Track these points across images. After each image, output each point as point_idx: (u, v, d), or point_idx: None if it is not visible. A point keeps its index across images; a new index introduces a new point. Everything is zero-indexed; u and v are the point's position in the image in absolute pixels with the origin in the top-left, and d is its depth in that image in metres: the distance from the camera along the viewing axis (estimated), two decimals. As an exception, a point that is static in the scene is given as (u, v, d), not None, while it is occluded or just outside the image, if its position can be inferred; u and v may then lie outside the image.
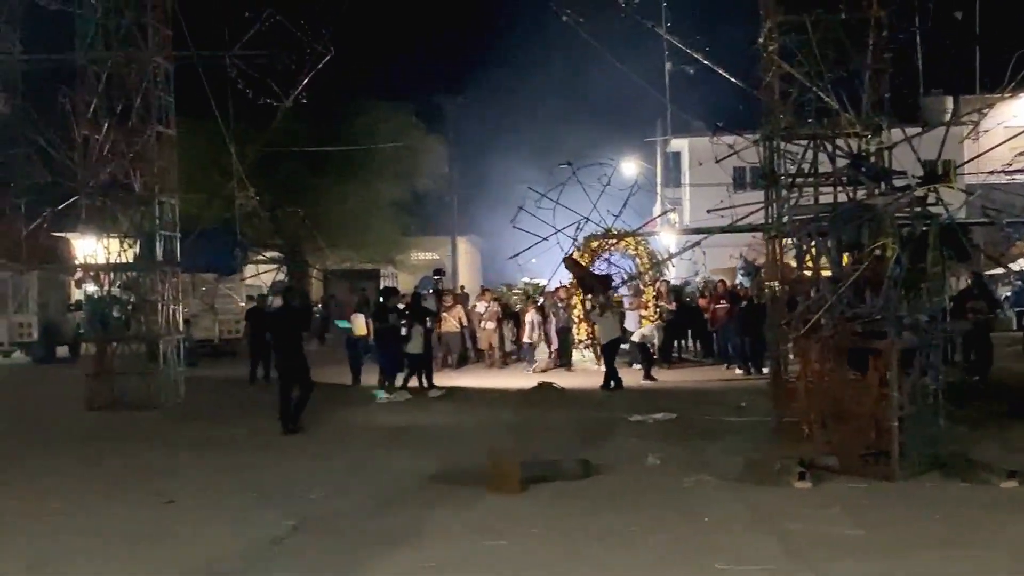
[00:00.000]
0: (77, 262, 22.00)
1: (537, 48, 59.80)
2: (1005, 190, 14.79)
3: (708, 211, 15.42)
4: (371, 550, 8.25)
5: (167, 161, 18.18)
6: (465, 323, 24.86)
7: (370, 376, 20.21)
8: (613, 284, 23.67)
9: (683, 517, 9.15)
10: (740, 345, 22.37)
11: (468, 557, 7.99)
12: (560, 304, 24.77)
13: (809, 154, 12.44)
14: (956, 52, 15.53)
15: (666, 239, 35.50)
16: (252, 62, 22.81)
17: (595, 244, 25.29)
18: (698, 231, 25.24)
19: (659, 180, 43.74)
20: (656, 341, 22.68)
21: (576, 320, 25.45)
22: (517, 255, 20.38)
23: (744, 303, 22.39)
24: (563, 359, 24.44)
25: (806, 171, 12.47)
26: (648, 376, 21.25)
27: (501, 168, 49.77)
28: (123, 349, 18.02)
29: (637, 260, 27.41)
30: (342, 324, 21.17)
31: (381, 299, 20.78)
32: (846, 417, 10.74)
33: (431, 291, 24.27)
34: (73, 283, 30.57)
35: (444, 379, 20.30)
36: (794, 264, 12.54)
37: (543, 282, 28.80)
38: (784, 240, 13.25)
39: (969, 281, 19.94)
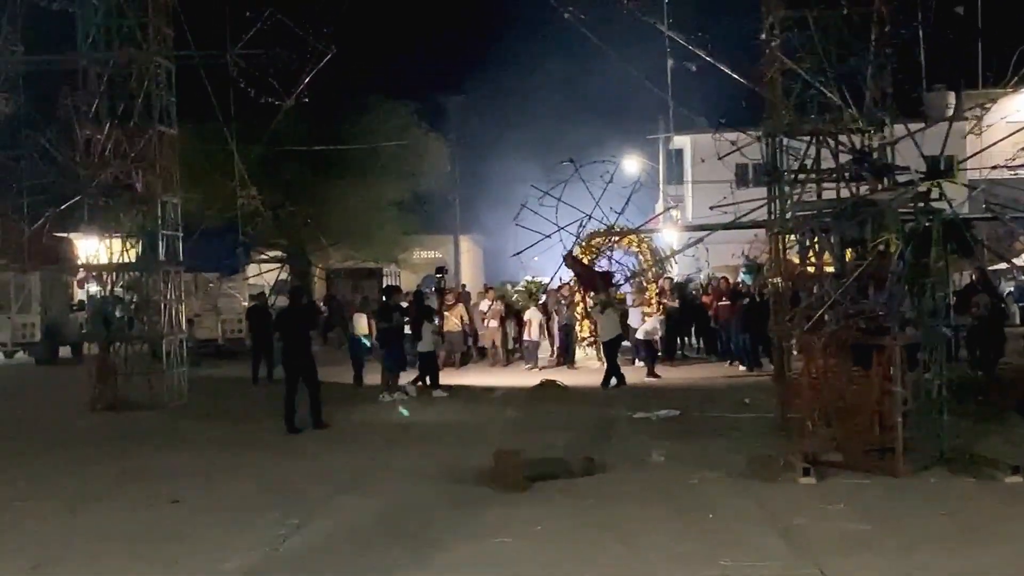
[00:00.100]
0: (80, 262, 21.99)
1: (539, 46, 59.69)
2: (1009, 185, 14.76)
3: (711, 208, 15.39)
4: (375, 549, 8.25)
5: (169, 161, 18.17)
6: (467, 322, 24.85)
7: (372, 375, 20.18)
8: (615, 282, 23.71)
9: (688, 514, 9.15)
10: (743, 342, 22.35)
11: (473, 555, 7.99)
12: (563, 302, 24.75)
13: (812, 150, 12.41)
14: (958, 47, 15.47)
15: (668, 236, 35.49)
16: (253, 61, 22.79)
17: (597, 241, 25.32)
18: (701, 228, 25.29)
19: (661, 177, 43.71)
20: (660, 332, 22.61)
21: (578, 318, 25.45)
22: (520, 252, 20.42)
23: (747, 300, 22.36)
24: (566, 357, 24.43)
25: (809, 167, 12.44)
26: (651, 373, 21.24)
27: (503, 166, 49.87)
28: (126, 349, 18.02)
29: (640, 257, 27.43)
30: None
31: (384, 298, 20.77)
32: (850, 413, 10.73)
33: (433, 289, 24.27)
34: (76, 283, 30.62)
35: (447, 378, 20.27)
36: (797, 260, 12.51)
37: (545, 280, 28.83)
38: (788, 236, 13.23)
39: (973, 277, 19.89)
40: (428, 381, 19.32)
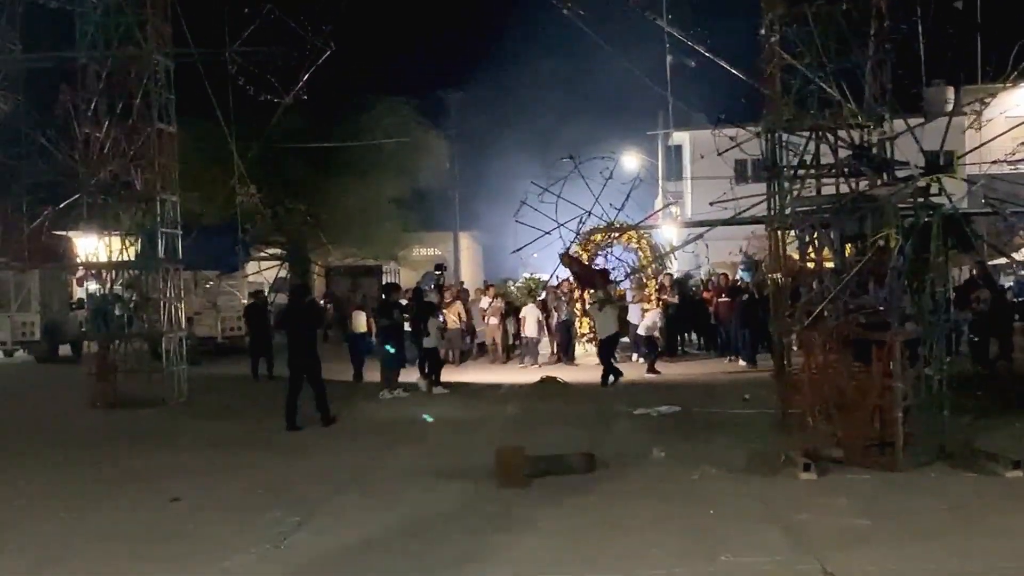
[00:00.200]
0: (79, 260, 21.98)
1: (538, 43, 59.69)
2: (1008, 180, 14.77)
3: (710, 204, 15.40)
4: (377, 545, 8.26)
5: (168, 159, 18.17)
6: (464, 319, 24.83)
7: (372, 373, 20.18)
8: (616, 279, 23.73)
9: (689, 510, 9.15)
10: (744, 337, 22.36)
11: (474, 551, 7.98)
12: (563, 298, 24.76)
13: (811, 145, 12.41)
14: (958, 42, 15.45)
15: (668, 232, 35.48)
16: (252, 59, 22.79)
17: (597, 238, 25.32)
18: (700, 224, 25.26)
19: (660, 173, 43.70)
20: (661, 324, 22.59)
21: (578, 314, 25.47)
22: (519, 249, 20.41)
23: (746, 296, 22.37)
24: (566, 354, 24.43)
25: (808, 163, 12.43)
26: (651, 370, 21.25)
27: (503, 163, 49.79)
28: (126, 347, 18.03)
29: (639, 253, 27.44)
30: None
31: (384, 296, 20.77)
32: (850, 408, 10.73)
33: (433, 286, 24.27)
34: (75, 282, 30.60)
35: (447, 375, 20.26)
36: (797, 256, 12.52)
37: (543, 276, 28.85)
38: (787, 232, 13.22)
39: (973, 272, 19.91)
40: (427, 376, 19.31)
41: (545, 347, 25.62)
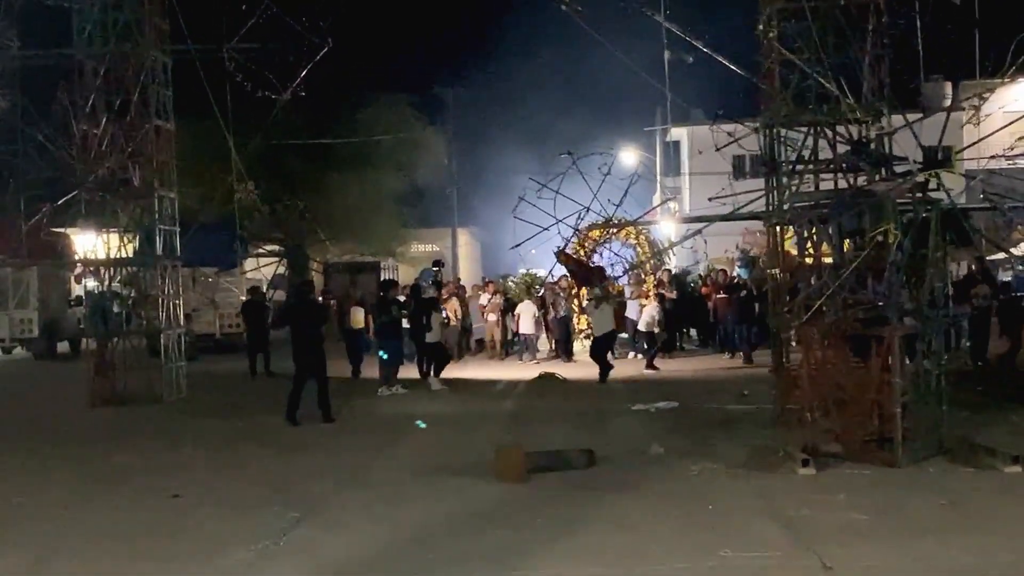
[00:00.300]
0: (77, 257, 21.98)
1: (536, 39, 59.81)
2: (1006, 175, 14.76)
3: (709, 199, 15.38)
4: (376, 542, 8.26)
5: (166, 155, 18.16)
6: (459, 316, 24.80)
7: (370, 369, 20.18)
8: (615, 275, 23.70)
9: (688, 505, 9.15)
10: (743, 332, 22.36)
11: (474, 547, 7.98)
12: (561, 295, 24.75)
13: (809, 141, 12.41)
14: (956, 37, 15.45)
15: (666, 228, 35.47)
16: (250, 55, 22.80)
17: (595, 234, 25.30)
18: (698, 220, 25.22)
19: (658, 169, 43.69)
20: (659, 318, 22.56)
21: (576, 311, 25.45)
22: (518, 245, 20.36)
23: (744, 292, 22.37)
24: (564, 350, 24.41)
25: (807, 158, 12.43)
26: (650, 365, 21.25)
27: (501, 159, 49.82)
28: (124, 344, 18.01)
29: (638, 249, 27.42)
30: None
31: (382, 292, 20.77)
32: (849, 404, 10.74)
33: (431, 283, 24.25)
34: (73, 279, 30.61)
35: (445, 371, 20.23)
36: (795, 252, 12.52)
37: (541, 272, 28.83)
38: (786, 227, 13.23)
39: (972, 267, 19.89)
40: (433, 372, 19.29)
41: (544, 343, 25.61)
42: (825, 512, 8.67)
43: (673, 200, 42.06)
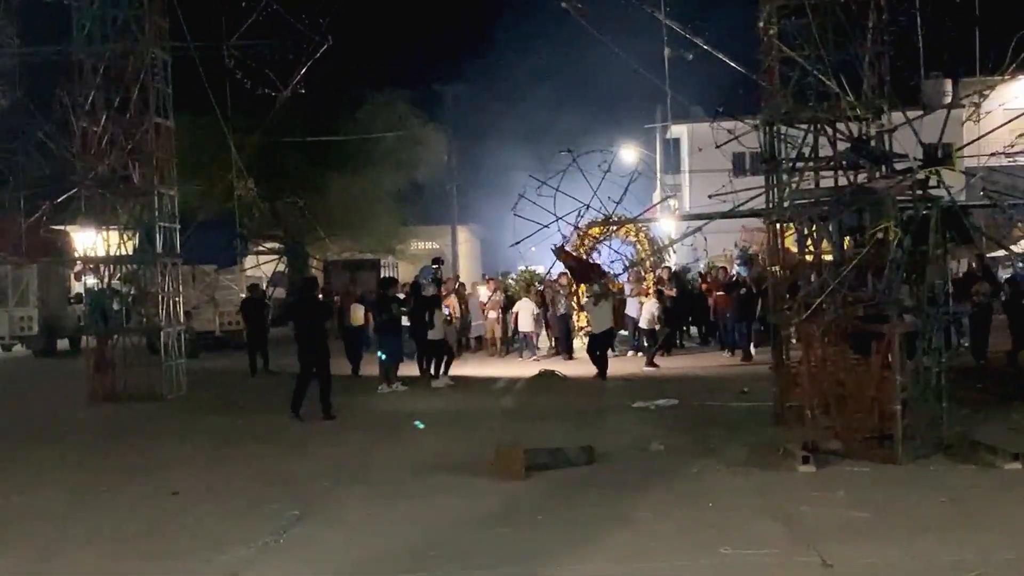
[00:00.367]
0: (77, 255, 21.98)
1: (535, 36, 59.81)
2: (1006, 172, 14.77)
3: (709, 196, 15.37)
4: (376, 538, 8.26)
5: (166, 153, 18.15)
6: (458, 314, 24.77)
7: (369, 367, 20.16)
8: (615, 273, 23.67)
9: (688, 502, 9.16)
10: (743, 329, 22.34)
11: (474, 544, 7.99)
12: (561, 292, 24.73)
13: (810, 138, 12.40)
14: (956, 34, 15.44)
15: (666, 225, 35.46)
16: (250, 53, 22.79)
17: (595, 231, 25.28)
18: (698, 217, 25.24)
19: (658, 166, 43.68)
20: (659, 314, 22.55)
21: (575, 308, 25.45)
22: (518, 243, 20.34)
23: (743, 290, 22.36)
24: (564, 347, 24.39)
25: (807, 155, 12.42)
26: (650, 363, 21.25)
27: (500, 156, 49.79)
28: (124, 341, 18.01)
29: (638, 246, 27.41)
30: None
31: (382, 290, 20.75)
32: (849, 401, 10.74)
33: (431, 280, 24.25)
34: (73, 276, 30.61)
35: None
36: (795, 249, 12.51)
37: (540, 269, 28.82)
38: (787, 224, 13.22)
39: (972, 264, 19.87)
40: (433, 369, 19.28)
41: (544, 341, 25.61)
42: (825, 509, 8.68)
43: (673, 197, 42.04)
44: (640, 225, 27.54)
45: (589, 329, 24.59)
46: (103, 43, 17.59)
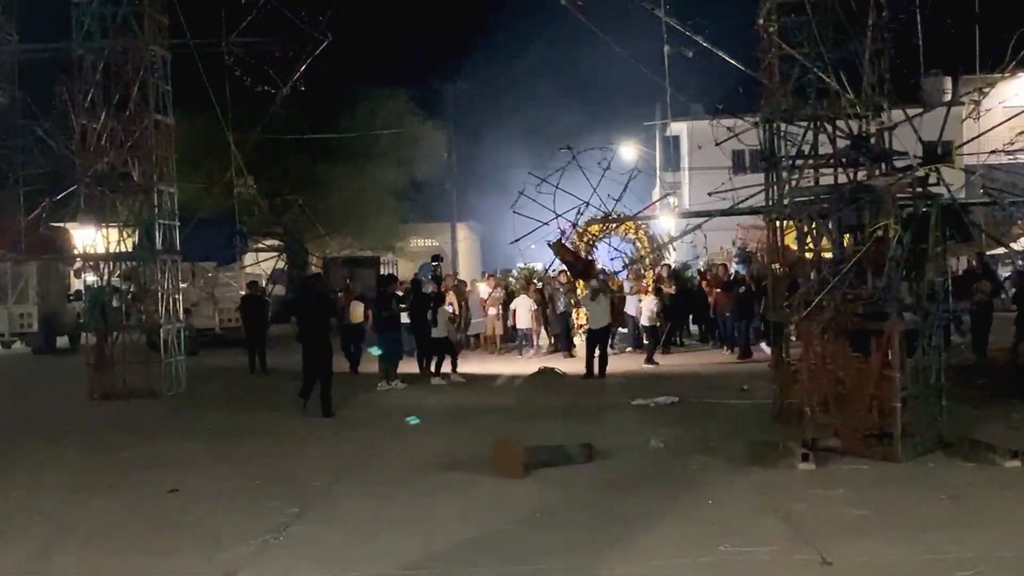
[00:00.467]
0: (76, 252, 21.98)
1: (535, 33, 59.66)
2: (1006, 170, 14.77)
3: (709, 194, 15.37)
4: (376, 536, 8.26)
5: (165, 150, 18.14)
6: (456, 311, 24.75)
7: (369, 364, 20.16)
8: (615, 270, 23.68)
9: (687, 500, 9.16)
10: (743, 328, 22.34)
11: (473, 541, 7.99)
12: (560, 289, 24.73)
13: (809, 135, 12.39)
14: (956, 32, 15.43)
15: (666, 223, 35.48)
16: (249, 50, 22.78)
17: (594, 228, 25.27)
18: (698, 214, 25.25)
19: (658, 164, 43.67)
20: (658, 310, 22.53)
21: (574, 305, 25.45)
22: (518, 240, 20.34)
23: (743, 288, 22.36)
24: (564, 344, 24.38)
25: (806, 153, 12.42)
26: (649, 360, 21.25)
27: (500, 154, 49.74)
28: (123, 339, 18.01)
29: (637, 244, 27.40)
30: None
31: (381, 287, 20.75)
32: (849, 399, 10.74)
33: (430, 277, 24.26)
34: (73, 273, 30.63)
35: (445, 366, 20.22)
36: (795, 246, 12.50)
37: (539, 266, 28.82)
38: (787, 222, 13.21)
39: (972, 262, 19.87)
40: (434, 367, 19.27)
41: (544, 338, 25.60)
42: (824, 507, 8.68)
43: (673, 195, 42.05)
44: (640, 223, 27.52)
45: (588, 326, 24.65)
46: (103, 40, 17.57)
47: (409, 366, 19.51)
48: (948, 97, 29.79)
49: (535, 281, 27.03)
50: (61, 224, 29.84)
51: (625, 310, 23.86)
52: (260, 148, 31.30)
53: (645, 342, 22.80)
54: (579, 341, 25.19)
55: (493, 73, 70.17)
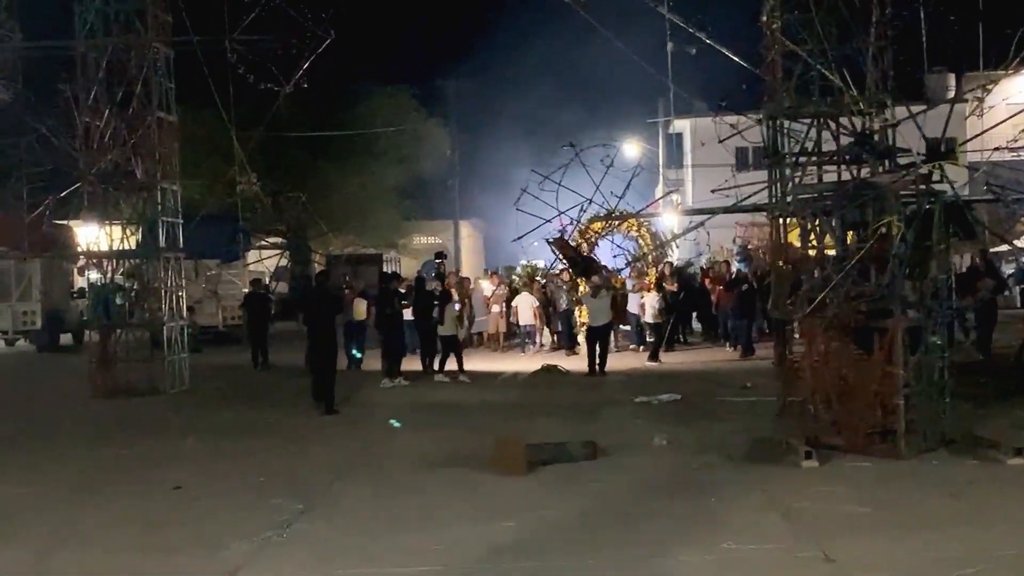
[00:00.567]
0: (80, 250, 21.99)
1: (538, 30, 59.60)
2: (1010, 167, 14.76)
3: (712, 191, 15.37)
4: (379, 533, 8.26)
5: (168, 147, 18.15)
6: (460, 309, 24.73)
7: (372, 362, 20.17)
8: (618, 268, 23.69)
9: (690, 497, 9.16)
10: (745, 326, 22.33)
11: (476, 539, 7.99)
12: (563, 286, 24.72)
13: (813, 133, 12.38)
14: (959, 29, 15.42)
15: (669, 220, 35.48)
16: (252, 47, 22.76)
17: (597, 226, 25.30)
18: (701, 212, 25.24)
19: (661, 161, 43.65)
20: (661, 307, 22.53)
21: (576, 302, 25.47)
22: (521, 237, 20.37)
23: (745, 286, 22.35)
24: (567, 342, 24.38)
25: (810, 150, 12.41)
26: (652, 357, 21.24)
27: (503, 151, 49.73)
28: (127, 336, 18.03)
29: (640, 241, 27.41)
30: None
31: (384, 285, 20.75)
32: (852, 396, 10.73)
33: (434, 275, 24.28)
34: (76, 271, 30.65)
35: (451, 364, 20.22)
36: (798, 244, 12.50)
37: (541, 264, 28.85)
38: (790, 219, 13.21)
39: (976, 259, 19.85)
40: (438, 364, 19.25)
41: (546, 336, 25.60)
42: (827, 504, 8.68)
43: (676, 192, 42.02)
44: (642, 220, 27.53)
45: (588, 323, 24.68)
46: (106, 37, 17.58)
47: (411, 363, 19.51)
48: (952, 94, 29.76)
49: (538, 278, 27.05)
50: (64, 221, 29.81)
51: (627, 308, 23.84)
52: (263, 145, 31.28)
53: (649, 339, 22.80)
54: (582, 339, 25.23)
55: (496, 70, 70.31)
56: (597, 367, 19.26)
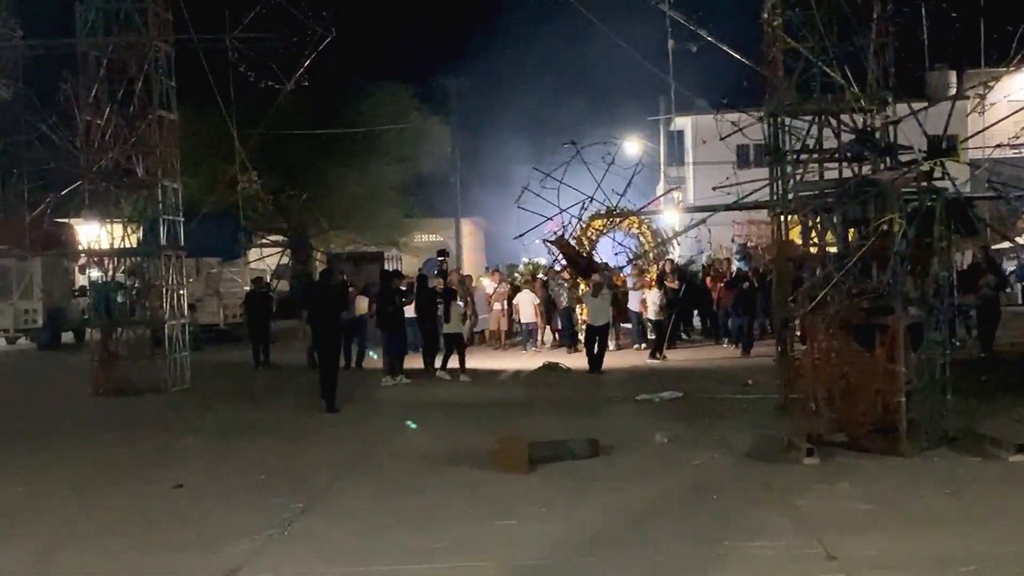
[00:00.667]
0: (81, 248, 22.00)
1: (539, 28, 59.73)
2: (1011, 164, 14.75)
3: (713, 189, 15.36)
4: (380, 531, 8.25)
5: (169, 146, 18.14)
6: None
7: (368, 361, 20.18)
8: (619, 266, 23.68)
9: (692, 494, 9.15)
10: (747, 323, 22.32)
11: (478, 537, 7.98)
12: (565, 284, 24.72)
13: (814, 130, 12.38)
14: (961, 26, 15.41)
15: (670, 218, 35.48)
16: (253, 45, 22.77)
17: (599, 223, 25.29)
18: (702, 209, 25.23)
19: (662, 159, 43.65)
20: (663, 303, 22.52)
21: (576, 300, 25.48)
22: (522, 235, 20.37)
23: (746, 284, 22.34)
24: (568, 340, 24.37)
25: (811, 147, 12.40)
26: (654, 355, 21.23)
27: (504, 149, 49.77)
28: (128, 334, 18.03)
29: (641, 239, 27.40)
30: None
31: (386, 282, 20.75)
32: (853, 393, 10.72)
33: (436, 272, 24.29)
34: (77, 269, 30.66)
35: (454, 362, 20.23)
36: (799, 241, 12.50)
37: (542, 261, 28.85)
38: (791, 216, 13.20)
39: (977, 256, 19.86)
40: (440, 362, 19.25)
41: (548, 334, 25.60)
42: (829, 501, 8.68)
43: (677, 190, 42.02)
44: (643, 217, 27.52)
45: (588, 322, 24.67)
46: (107, 36, 17.57)
47: (414, 361, 19.51)
48: (953, 91, 29.71)
49: (540, 276, 27.05)
50: (65, 220, 29.82)
51: (628, 306, 23.83)
52: (264, 143, 31.29)
53: (650, 337, 22.79)
54: (583, 338, 25.23)
55: (497, 68, 70.29)
56: (597, 365, 19.26)
